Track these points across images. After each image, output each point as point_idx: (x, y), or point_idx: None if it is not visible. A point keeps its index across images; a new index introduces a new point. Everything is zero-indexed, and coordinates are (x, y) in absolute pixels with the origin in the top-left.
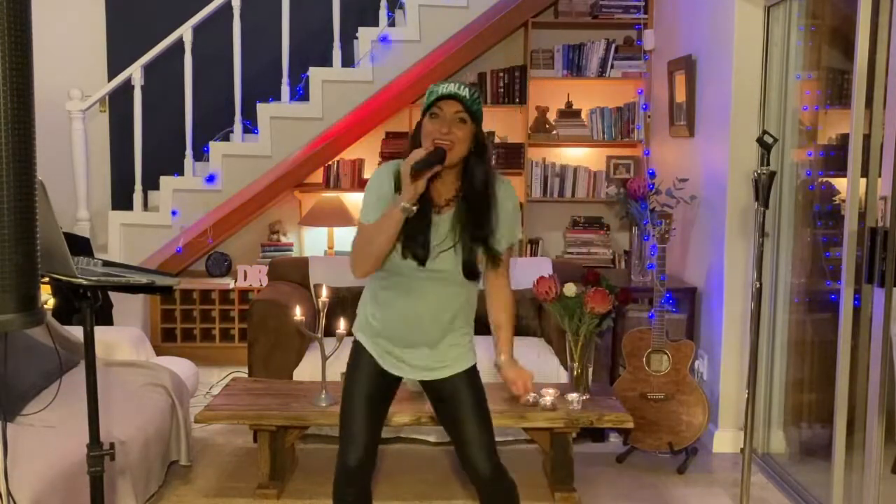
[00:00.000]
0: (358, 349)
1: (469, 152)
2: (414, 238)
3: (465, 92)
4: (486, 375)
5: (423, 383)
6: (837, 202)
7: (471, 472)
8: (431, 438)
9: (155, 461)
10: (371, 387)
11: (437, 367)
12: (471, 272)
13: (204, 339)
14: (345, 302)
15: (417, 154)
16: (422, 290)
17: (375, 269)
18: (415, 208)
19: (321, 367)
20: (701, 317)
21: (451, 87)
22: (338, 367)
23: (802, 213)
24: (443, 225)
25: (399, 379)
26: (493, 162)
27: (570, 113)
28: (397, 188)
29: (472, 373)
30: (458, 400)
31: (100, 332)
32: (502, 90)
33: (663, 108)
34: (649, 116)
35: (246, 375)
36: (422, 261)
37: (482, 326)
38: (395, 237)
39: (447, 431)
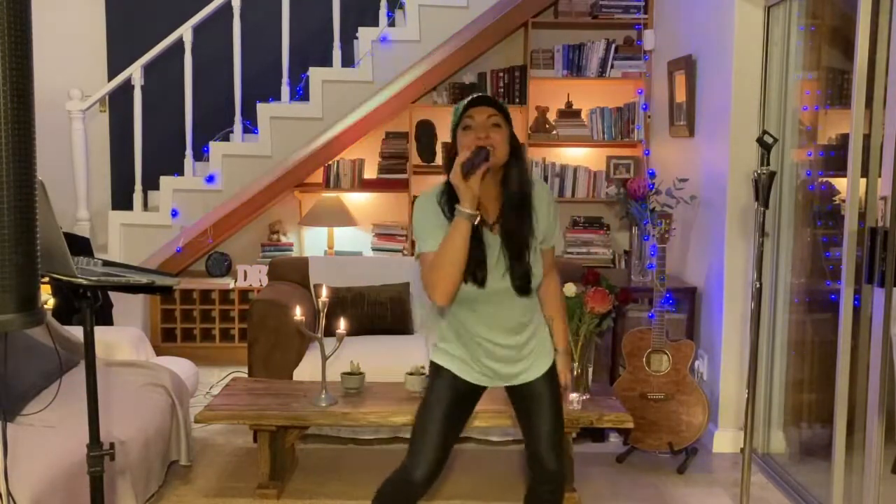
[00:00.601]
0: (438, 372)
1: (508, 159)
2: (469, 262)
3: (493, 96)
4: None
5: (509, 388)
6: (837, 202)
7: (536, 467)
8: None
9: (155, 461)
10: (452, 406)
11: (520, 373)
12: (522, 288)
13: (204, 339)
14: (345, 302)
15: (461, 158)
16: (495, 309)
17: (456, 288)
18: (477, 214)
19: (321, 367)
20: (701, 317)
21: (477, 95)
22: (338, 367)
23: (802, 213)
24: (496, 244)
25: (482, 390)
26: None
27: (570, 113)
28: (443, 209)
29: (551, 371)
30: (536, 399)
31: (100, 332)
32: (502, 90)
33: (663, 108)
34: (649, 116)
35: (246, 375)
36: (481, 283)
37: None
38: (466, 249)
39: (521, 425)
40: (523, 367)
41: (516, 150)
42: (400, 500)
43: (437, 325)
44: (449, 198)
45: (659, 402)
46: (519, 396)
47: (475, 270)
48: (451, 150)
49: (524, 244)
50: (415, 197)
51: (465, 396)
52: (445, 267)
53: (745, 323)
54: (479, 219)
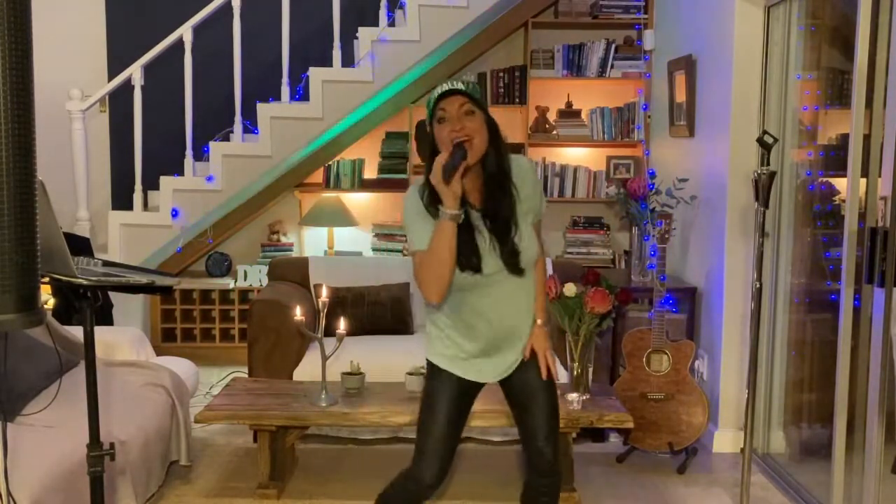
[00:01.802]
0: (435, 372)
1: (488, 144)
2: (462, 249)
3: (459, 85)
4: None
5: (501, 381)
6: (837, 202)
7: (533, 461)
8: None
9: (155, 461)
10: (453, 407)
11: (515, 361)
12: (513, 266)
13: (204, 339)
14: (345, 302)
15: (441, 159)
16: (493, 294)
17: (448, 287)
18: (461, 213)
19: (321, 367)
20: (701, 317)
21: (446, 85)
22: (338, 368)
23: (802, 213)
24: (485, 229)
25: (480, 386)
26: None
27: (570, 113)
28: (427, 208)
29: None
30: (530, 392)
31: (100, 332)
32: (502, 90)
33: (663, 108)
34: (649, 116)
35: (246, 375)
36: (477, 269)
37: None
38: (454, 247)
39: (516, 419)
40: (518, 356)
41: (493, 130)
42: (411, 501)
43: (432, 320)
44: (431, 192)
45: (659, 402)
46: (513, 390)
47: (470, 258)
48: (431, 145)
49: (508, 223)
50: None
51: (463, 394)
52: (434, 267)
53: (745, 323)
54: (462, 216)
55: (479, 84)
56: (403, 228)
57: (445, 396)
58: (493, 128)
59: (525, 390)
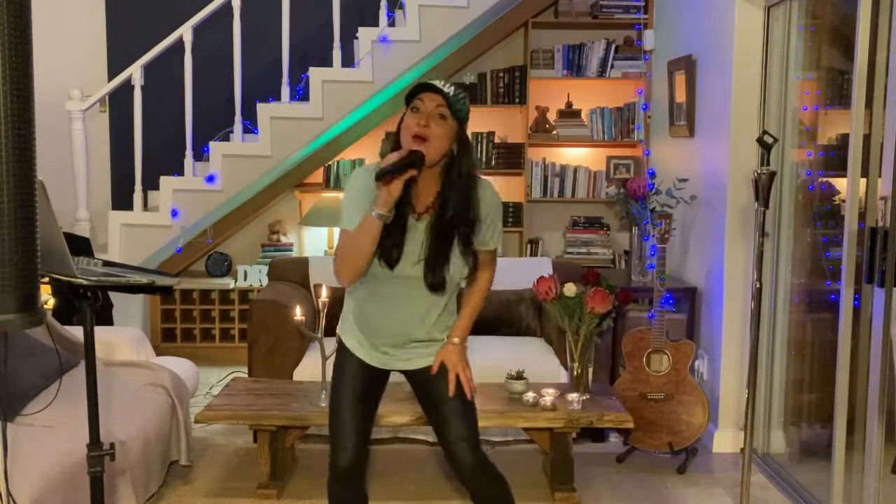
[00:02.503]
0: (342, 350)
1: (451, 154)
2: (385, 242)
3: (448, 88)
4: (484, 376)
5: (408, 376)
6: (837, 202)
7: (455, 465)
8: (430, 438)
9: (155, 461)
10: (359, 386)
11: (419, 357)
12: (435, 285)
13: (204, 339)
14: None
15: (390, 158)
16: (398, 293)
17: (359, 276)
18: (390, 215)
19: (321, 367)
20: (701, 317)
21: (436, 81)
22: None
23: (802, 213)
24: (418, 232)
25: (387, 374)
26: (492, 163)
27: (570, 113)
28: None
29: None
30: (436, 387)
31: (100, 332)
32: (502, 90)
33: (663, 108)
34: (649, 116)
35: (246, 375)
36: (391, 266)
37: (483, 327)
38: (374, 244)
39: (429, 418)
40: (420, 353)
41: (464, 146)
42: (337, 488)
43: (347, 297)
44: None
45: (659, 402)
46: (421, 389)
47: (390, 251)
48: (396, 130)
49: (449, 242)
50: None
51: (369, 376)
52: (352, 255)
53: (745, 323)
54: (390, 218)
55: (479, 84)
56: (342, 201)
57: (352, 376)
58: (463, 143)
59: (433, 393)
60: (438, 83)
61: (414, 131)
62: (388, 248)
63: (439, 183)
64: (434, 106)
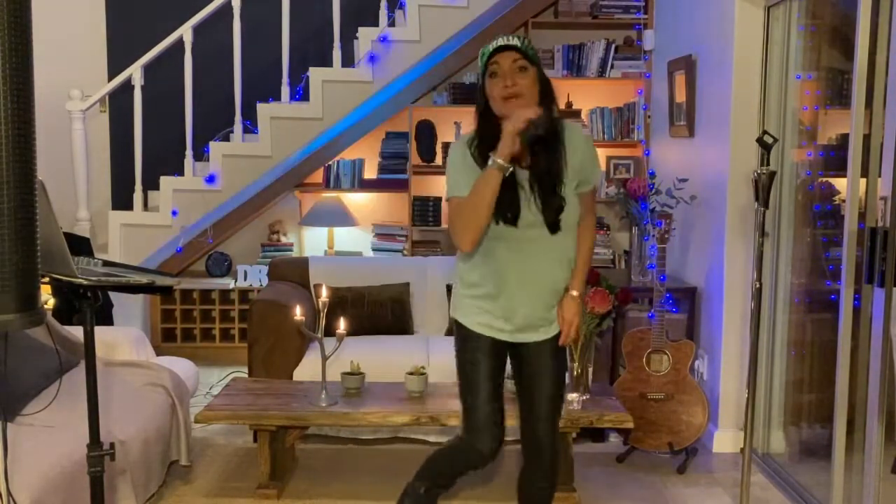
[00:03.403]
0: (467, 335)
1: (539, 103)
2: (501, 200)
3: (515, 41)
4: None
5: (511, 346)
6: (837, 202)
7: (528, 443)
8: (430, 438)
9: (155, 461)
10: (490, 368)
11: (546, 329)
12: (553, 223)
13: (204, 339)
14: (345, 302)
15: (525, 113)
16: (523, 250)
17: (482, 234)
18: (511, 166)
19: (321, 367)
20: (701, 317)
21: (501, 41)
22: (338, 367)
23: (802, 213)
24: (526, 181)
25: (511, 345)
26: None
27: (570, 113)
28: (476, 158)
29: (556, 342)
30: (539, 368)
31: (100, 332)
32: None
33: (663, 108)
34: (649, 116)
35: (246, 375)
36: (512, 221)
37: None
38: (494, 199)
39: (518, 393)
40: (546, 321)
41: (546, 88)
42: (469, 468)
43: (461, 276)
44: (480, 143)
45: (659, 402)
46: (523, 362)
47: (507, 209)
48: (482, 96)
49: (554, 181)
50: (414, 198)
51: (497, 354)
52: (471, 215)
53: (745, 323)
54: (510, 170)
55: (480, 84)
56: (445, 174)
57: (483, 363)
58: (545, 87)
59: (535, 364)
60: (504, 40)
61: (504, 93)
62: (506, 205)
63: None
64: (510, 62)
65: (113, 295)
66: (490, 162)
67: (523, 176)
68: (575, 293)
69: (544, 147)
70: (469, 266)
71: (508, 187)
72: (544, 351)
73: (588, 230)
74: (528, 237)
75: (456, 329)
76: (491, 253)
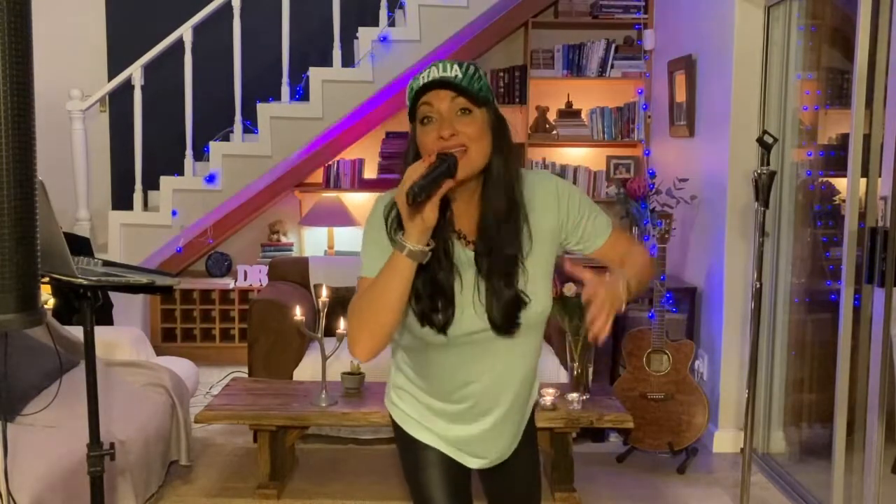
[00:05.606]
0: (414, 445)
1: (492, 153)
2: (431, 293)
3: (454, 72)
4: None
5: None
6: (837, 202)
7: None
8: None
9: (155, 461)
10: (451, 486)
11: (511, 445)
12: (501, 324)
13: (204, 339)
14: (345, 302)
15: (414, 172)
16: (474, 357)
17: (383, 345)
18: (429, 250)
19: (321, 367)
20: (701, 317)
21: (434, 72)
22: (338, 367)
23: (802, 213)
24: (471, 266)
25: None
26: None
27: (570, 113)
28: (390, 232)
29: (530, 431)
30: (508, 474)
31: (100, 332)
32: (502, 90)
33: (663, 108)
34: (649, 116)
35: (246, 375)
36: (441, 328)
37: None
38: (405, 295)
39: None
40: (515, 440)
41: (500, 132)
42: None
43: (397, 365)
44: (398, 213)
45: (659, 402)
46: (489, 475)
47: (433, 310)
48: (413, 150)
49: (512, 263)
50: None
51: (459, 474)
52: (372, 312)
53: (745, 323)
54: (429, 255)
55: None
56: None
57: (439, 471)
58: (499, 131)
59: (504, 472)
60: (437, 72)
61: (439, 148)
62: (431, 305)
63: (481, 195)
64: (448, 103)
65: (113, 295)
66: (397, 245)
67: (465, 257)
68: (623, 281)
69: (499, 213)
70: (405, 371)
71: (444, 274)
72: (517, 455)
73: (639, 255)
74: (474, 345)
75: (394, 428)
76: (425, 361)
